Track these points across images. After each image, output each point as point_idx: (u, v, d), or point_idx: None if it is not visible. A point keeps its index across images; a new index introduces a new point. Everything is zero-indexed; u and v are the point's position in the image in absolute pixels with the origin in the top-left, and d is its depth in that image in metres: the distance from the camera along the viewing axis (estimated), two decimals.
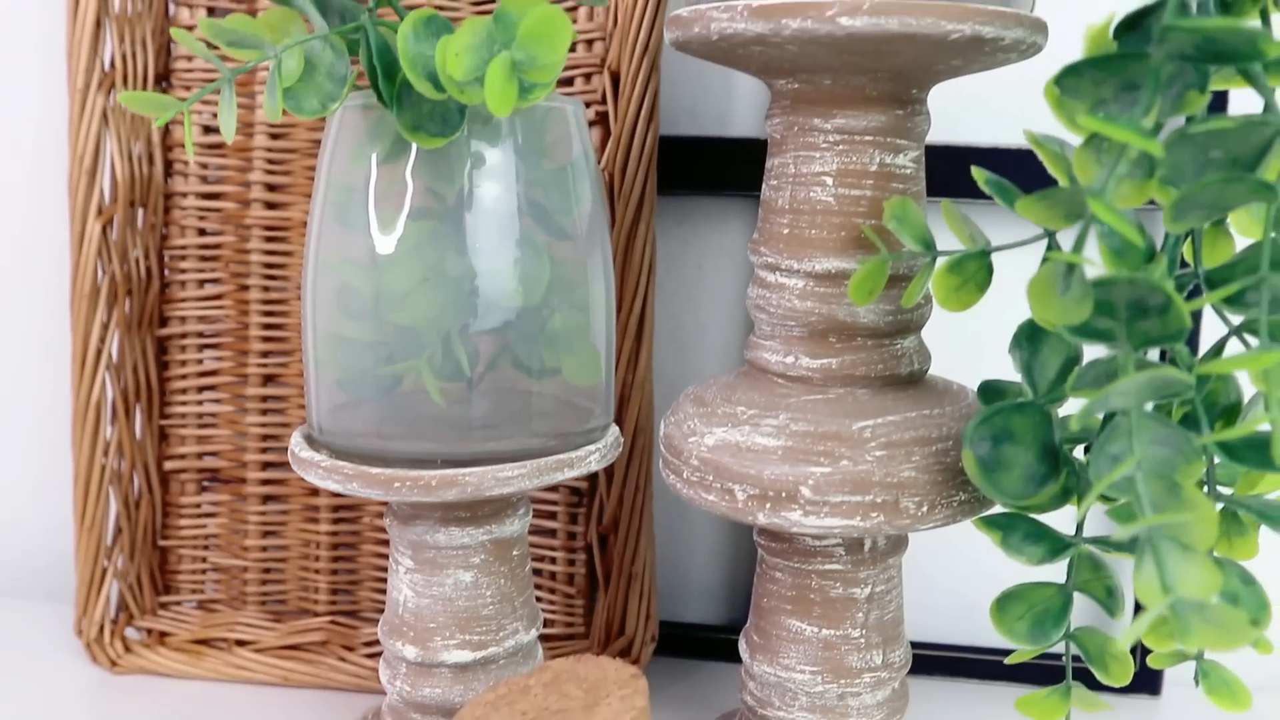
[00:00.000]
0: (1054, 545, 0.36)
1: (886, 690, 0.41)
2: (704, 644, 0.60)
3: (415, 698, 0.43)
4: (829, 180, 0.37)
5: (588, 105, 0.54)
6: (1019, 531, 0.35)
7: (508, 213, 0.40)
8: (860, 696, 0.41)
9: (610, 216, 0.52)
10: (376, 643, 0.56)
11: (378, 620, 0.57)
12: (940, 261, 0.35)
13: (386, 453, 0.40)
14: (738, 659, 0.44)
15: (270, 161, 0.57)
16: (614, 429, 0.44)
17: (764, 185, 0.40)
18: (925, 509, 0.36)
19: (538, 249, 0.41)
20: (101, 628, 0.57)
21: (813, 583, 0.40)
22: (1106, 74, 0.28)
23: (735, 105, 0.58)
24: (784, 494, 0.36)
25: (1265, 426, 0.29)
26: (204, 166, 0.57)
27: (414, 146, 0.38)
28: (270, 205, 0.57)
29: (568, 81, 0.54)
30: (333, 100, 0.35)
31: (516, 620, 0.43)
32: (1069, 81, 0.28)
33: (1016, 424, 0.34)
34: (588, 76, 0.54)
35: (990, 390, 0.38)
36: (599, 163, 0.52)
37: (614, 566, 0.55)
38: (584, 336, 0.42)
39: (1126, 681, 0.36)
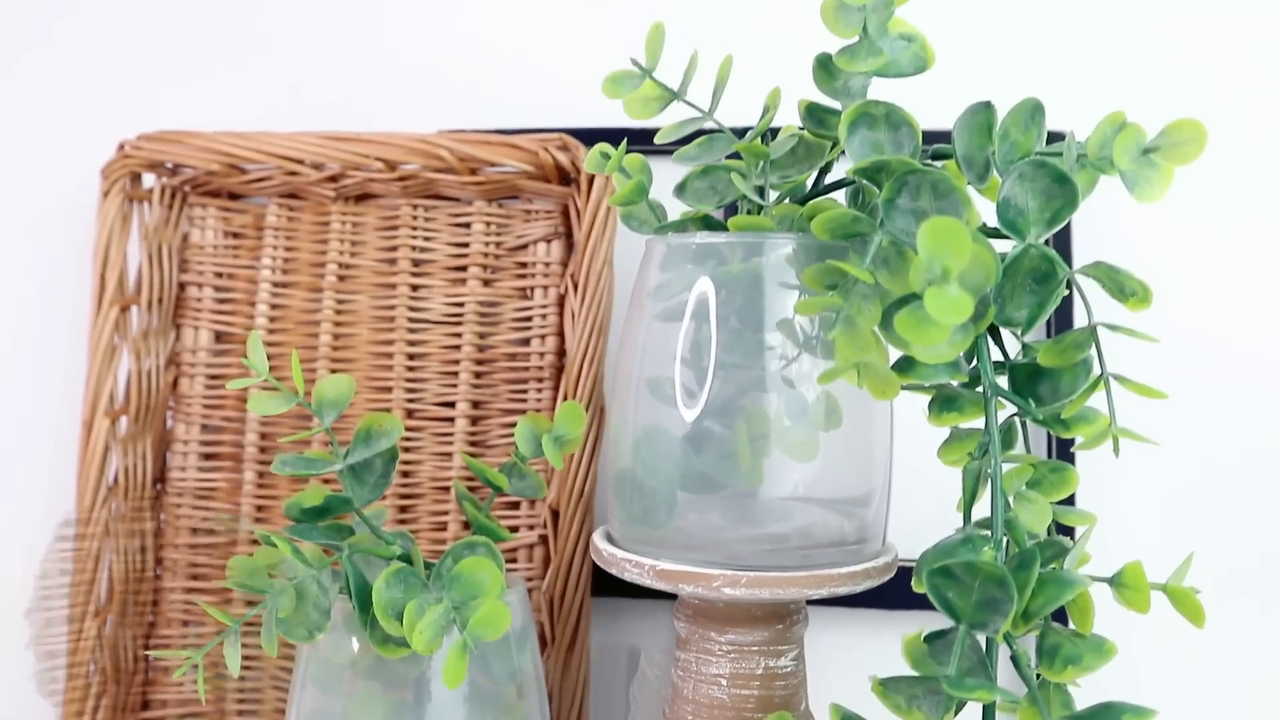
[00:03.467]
0: None
1: None
2: None
3: None
4: (724, 681, 0.45)
5: (530, 528, 0.62)
6: None
7: (462, 686, 0.48)
8: None
9: (551, 635, 0.60)
10: None
11: None
12: None
13: None
14: None
15: None
16: None
17: (673, 670, 0.48)
18: None
19: (484, 714, 0.48)
20: None
21: None
22: (918, 683, 0.36)
23: None
24: None
25: None
26: (192, 565, 0.65)
27: None
28: (250, 603, 0.64)
29: (514, 504, 0.63)
30: (318, 630, 0.43)
31: None
32: (890, 684, 0.37)
33: None
34: (531, 502, 0.63)
35: None
36: (541, 589, 0.61)
37: None
38: None
39: None
